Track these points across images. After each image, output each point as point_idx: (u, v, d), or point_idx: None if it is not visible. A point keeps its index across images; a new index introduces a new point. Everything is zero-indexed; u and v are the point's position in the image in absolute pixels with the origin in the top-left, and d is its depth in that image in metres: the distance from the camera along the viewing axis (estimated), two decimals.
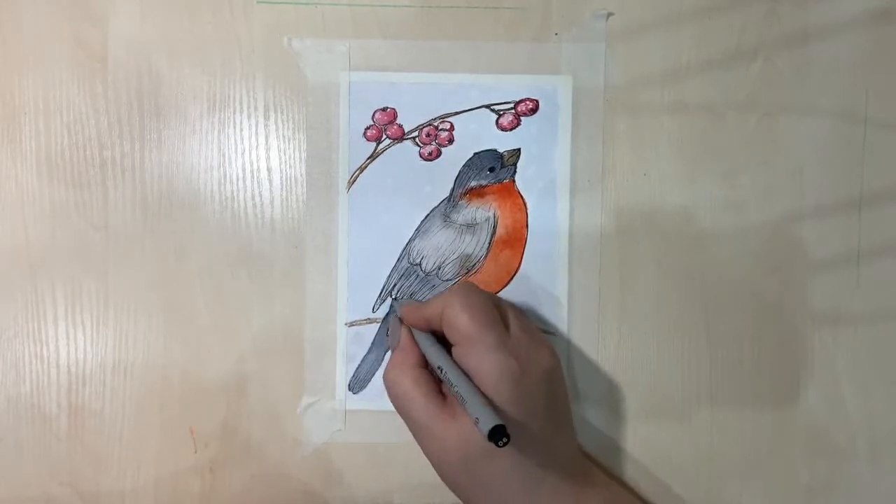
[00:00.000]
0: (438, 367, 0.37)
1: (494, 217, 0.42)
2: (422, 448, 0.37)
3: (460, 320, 0.36)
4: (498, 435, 0.32)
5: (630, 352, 0.43)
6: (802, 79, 0.43)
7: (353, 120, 0.42)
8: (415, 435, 0.37)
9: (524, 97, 0.42)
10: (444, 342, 0.38)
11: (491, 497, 0.36)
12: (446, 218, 0.42)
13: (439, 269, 0.43)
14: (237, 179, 0.43)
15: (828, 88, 0.43)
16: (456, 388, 0.35)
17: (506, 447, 0.32)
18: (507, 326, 0.37)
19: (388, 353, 0.43)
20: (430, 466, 0.37)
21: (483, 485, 0.36)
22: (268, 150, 0.43)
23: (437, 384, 0.38)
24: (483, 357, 0.35)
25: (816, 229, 0.43)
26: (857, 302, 0.43)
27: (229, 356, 0.43)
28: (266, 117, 0.43)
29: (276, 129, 0.43)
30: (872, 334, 0.43)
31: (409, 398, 0.37)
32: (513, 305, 0.40)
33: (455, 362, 0.36)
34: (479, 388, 0.35)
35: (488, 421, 0.32)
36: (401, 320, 0.40)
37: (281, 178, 0.43)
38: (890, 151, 0.43)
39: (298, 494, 0.43)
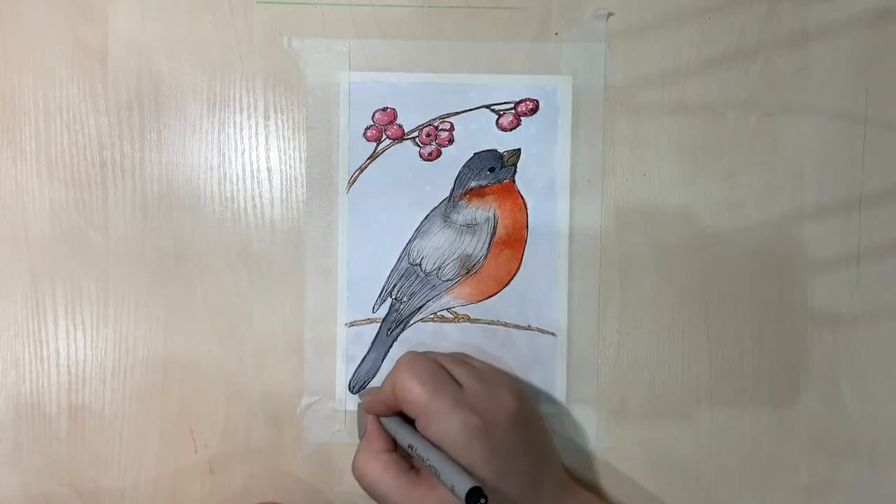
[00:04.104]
0: (409, 447, 0.37)
1: (494, 217, 0.42)
2: None
3: (411, 392, 0.37)
4: (475, 496, 0.32)
5: (630, 352, 0.43)
6: (802, 79, 0.43)
7: (352, 120, 0.42)
8: None
9: (524, 97, 0.42)
10: (411, 420, 0.38)
11: None
12: (446, 218, 0.42)
13: (439, 269, 0.43)
14: (237, 179, 0.43)
15: (828, 88, 0.43)
16: (428, 462, 0.35)
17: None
18: (458, 383, 0.38)
19: (388, 354, 0.43)
20: None
21: None
22: (268, 150, 0.43)
23: (407, 462, 0.38)
24: (444, 422, 0.36)
25: (816, 229, 0.43)
26: (857, 302, 0.43)
27: (229, 356, 0.43)
28: (266, 117, 0.43)
29: (276, 129, 0.43)
30: (872, 334, 0.43)
31: (381, 483, 0.37)
32: (460, 358, 0.41)
33: (422, 436, 0.37)
34: (448, 456, 0.35)
35: (463, 486, 0.33)
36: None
37: (281, 178, 0.43)
38: (890, 151, 0.43)
39: (298, 494, 0.43)
